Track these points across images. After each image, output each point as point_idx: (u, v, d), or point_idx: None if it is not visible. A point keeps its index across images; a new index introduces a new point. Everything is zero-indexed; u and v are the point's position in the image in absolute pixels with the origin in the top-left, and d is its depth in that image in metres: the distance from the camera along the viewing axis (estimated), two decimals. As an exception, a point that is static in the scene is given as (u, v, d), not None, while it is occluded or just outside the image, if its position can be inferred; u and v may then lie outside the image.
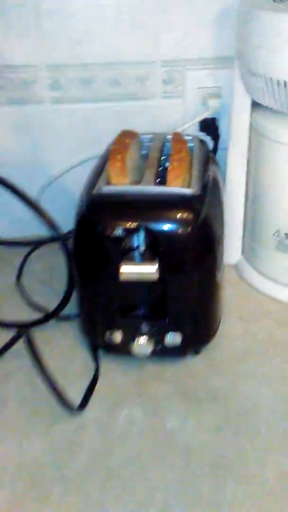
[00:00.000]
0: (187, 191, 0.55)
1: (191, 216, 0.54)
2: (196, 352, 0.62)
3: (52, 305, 0.71)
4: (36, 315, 0.70)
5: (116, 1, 0.71)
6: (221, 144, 0.81)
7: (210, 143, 0.79)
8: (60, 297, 0.72)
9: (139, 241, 0.54)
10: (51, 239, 0.84)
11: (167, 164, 0.66)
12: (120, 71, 0.76)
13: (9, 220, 0.86)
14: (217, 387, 0.59)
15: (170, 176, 0.57)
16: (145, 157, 0.68)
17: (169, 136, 0.69)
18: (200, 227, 0.54)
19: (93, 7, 0.71)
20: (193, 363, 0.61)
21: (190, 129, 0.78)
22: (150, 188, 0.55)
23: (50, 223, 0.63)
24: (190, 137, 0.69)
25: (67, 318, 0.68)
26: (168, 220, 0.53)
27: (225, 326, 0.65)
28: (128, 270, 0.53)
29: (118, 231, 0.53)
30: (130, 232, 0.54)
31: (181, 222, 0.54)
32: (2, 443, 0.54)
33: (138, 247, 0.54)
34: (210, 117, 0.78)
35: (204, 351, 0.62)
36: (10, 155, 0.81)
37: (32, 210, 0.65)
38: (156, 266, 0.52)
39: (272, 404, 0.57)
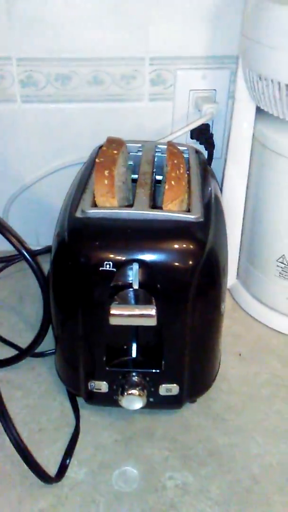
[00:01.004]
0: (189, 217, 0.45)
1: (195, 247, 0.44)
2: (192, 401, 0.52)
3: (21, 337, 0.61)
4: (4, 351, 0.59)
5: (100, -14, 0.60)
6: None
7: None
8: (32, 328, 0.61)
9: (132, 276, 0.44)
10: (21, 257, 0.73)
11: (159, 178, 0.57)
12: (102, 68, 0.65)
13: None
14: (219, 445, 0.49)
15: (167, 198, 0.47)
16: (132, 170, 0.58)
17: (160, 146, 0.59)
18: (206, 259, 0.44)
19: (73, -7, 0.60)
20: (189, 414, 0.51)
21: (180, 137, 0.68)
22: (145, 213, 0.45)
23: (18, 245, 0.52)
24: (185, 148, 0.59)
25: (40, 355, 0.57)
26: (168, 252, 0.43)
27: (222, 366, 0.55)
28: (120, 312, 0.42)
29: (107, 265, 0.43)
30: (121, 266, 0.43)
31: (184, 254, 0.43)
32: None
33: (130, 283, 0.44)
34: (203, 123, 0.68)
35: (201, 398, 0.53)
36: (-27, 160, 0.69)
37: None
38: (155, 309, 0.42)
39: (285, 467, 0.48)
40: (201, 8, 0.63)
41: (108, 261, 0.43)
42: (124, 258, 0.43)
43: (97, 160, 0.50)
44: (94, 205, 0.47)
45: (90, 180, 0.51)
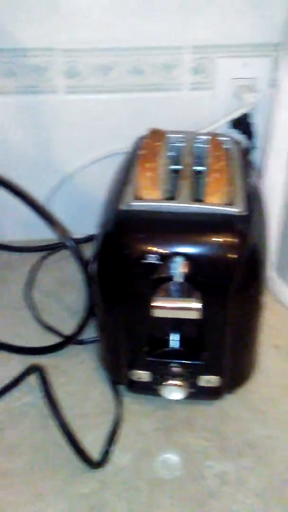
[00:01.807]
0: (232, 210, 0.44)
1: (238, 240, 0.43)
2: (231, 392, 0.51)
3: (64, 324, 0.61)
4: (48, 337, 0.59)
5: (142, -25, 0.58)
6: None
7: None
8: (74, 316, 0.61)
9: (175, 269, 0.43)
10: (65, 245, 0.73)
11: (200, 169, 0.55)
12: (143, 57, 0.63)
13: (18, 222, 0.75)
14: (258, 437, 0.48)
15: (209, 190, 0.46)
16: (174, 161, 0.56)
17: (201, 136, 0.57)
18: (248, 253, 0.43)
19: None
20: (228, 405, 0.51)
21: (220, 126, 0.66)
22: (188, 206, 0.44)
23: (63, 234, 0.52)
24: (226, 138, 0.57)
25: (83, 342, 0.58)
26: (211, 246, 0.42)
27: (260, 358, 0.54)
28: (164, 304, 0.42)
29: (150, 258, 0.42)
30: (164, 259, 0.42)
31: (227, 248, 0.42)
32: (10, 505, 0.44)
33: (173, 276, 0.43)
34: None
35: (239, 389, 0.52)
36: (18, 150, 0.69)
37: (41, 217, 0.54)
38: (198, 302, 0.41)
39: None
40: (244, -5, 0.60)
41: (152, 253, 0.42)
42: (167, 251, 0.42)
43: (140, 152, 0.49)
44: (137, 197, 0.47)
45: (133, 172, 0.50)
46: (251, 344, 0.50)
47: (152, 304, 0.42)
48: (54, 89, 0.64)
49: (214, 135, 0.54)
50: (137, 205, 0.44)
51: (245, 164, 0.54)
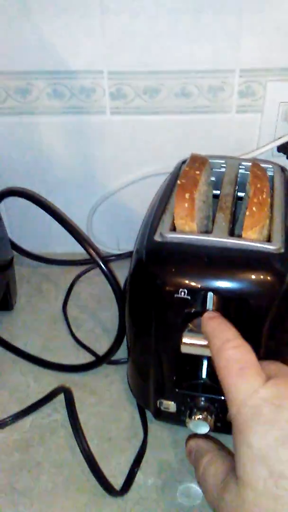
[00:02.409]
0: (269, 247, 0.42)
1: (274, 280, 0.41)
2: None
3: (98, 341, 0.62)
4: (81, 353, 0.60)
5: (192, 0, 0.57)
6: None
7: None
8: (108, 334, 0.62)
9: (206, 305, 0.42)
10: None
11: (241, 194, 0.54)
12: (191, 80, 0.62)
13: (62, 235, 0.76)
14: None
15: (247, 225, 0.44)
16: (214, 186, 0.55)
17: (245, 163, 0.56)
18: (284, 292, 0.42)
19: (164, 6, 0.57)
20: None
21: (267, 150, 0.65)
22: (224, 241, 0.43)
23: (96, 256, 0.52)
24: (270, 166, 0.55)
25: (114, 362, 0.58)
26: (245, 284, 0.41)
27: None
28: (193, 341, 0.41)
29: (182, 292, 0.42)
30: (195, 294, 0.42)
31: (262, 287, 0.41)
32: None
33: (204, 312, 0.42)
34: (292, 137, 0.64)
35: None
36: (62, 168, 0.70)
37: (75, 238, 0.54)
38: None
39: None
40: (297, 18, 0.58)
41: (183, 288, 0.42)
42: (199, 287, 0.41)
43: (178, 181, 0.48)
44: (173, 227, 0.46)
45: (171, 200, 0.50)
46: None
47: (181, 340, 0.41)
48: (100, 110, 0.65)
49: (257, 165, 0.52)
50: (171, 237, 0.44)
51: (288, 193, 0.53)
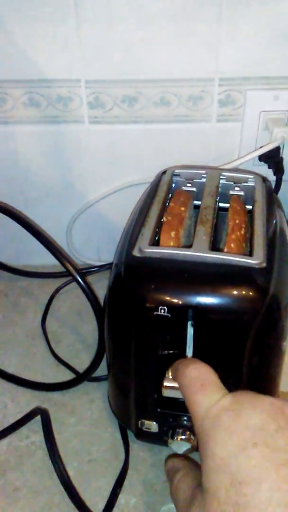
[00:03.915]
0: (251, 262, 0.41)
1: (256, 295, 0.40)
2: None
3: (78, 357, 0.60)
4: (60, 370, 0.58)
5: (169, 7, 0.56)
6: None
7: (269, 174, 0.64)
8: (88, 349, 0.60)
9: (187, 341, 0.41)
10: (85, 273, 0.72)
11: (223, 205, 0.53)
12: (170, 89, 0.61)
13: (41, 247, 0.74)
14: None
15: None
16: (195, 197, 0.54)
17: (226, 173, 0.55)
18: (267, 307, 0.40)
19: (142, 14, 0.57)
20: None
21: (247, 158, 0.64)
22: (204, 256, 0.41)
23: (73, 271, 0.51)
24: (251, 176, 0.55)
25: (95, 379, 0.56)
26: (227, 300, 0.40)
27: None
28: (174, 385, 0.39)
29: (161, 309, 0.40)
30: (175, 311, 0.40)
31: (244, 303, 0.39)
32: None
33: (185, 331, 0.41)
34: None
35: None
36: (40, 178, 0.68)
37: (52, 253, 0.53)
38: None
39: None
40: (274, 27, 0.57)
41: (163, 305, 0.40)
42: (179, 303, 0.40)
43: (164, 218, 0.47)
44: (153, 241, 0.45)
45: (150, 213, 0.48)
46: (267, 394, 0.48)
47: (162, 383, 0.41)
48: (78, 119, 0.63)
49: (236, 200, 0.51)
50: (150, 251, 0.43)
51: (270, 205, 0.52)
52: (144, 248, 0.43)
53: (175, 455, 0.44)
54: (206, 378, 0.36)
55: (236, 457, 0.30)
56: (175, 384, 0.38)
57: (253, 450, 0.30)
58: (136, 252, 0.43)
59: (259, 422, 0.31)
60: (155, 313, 0.40)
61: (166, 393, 0.40)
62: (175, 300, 0.40)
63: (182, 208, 0.48)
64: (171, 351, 0.41)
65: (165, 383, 0.40)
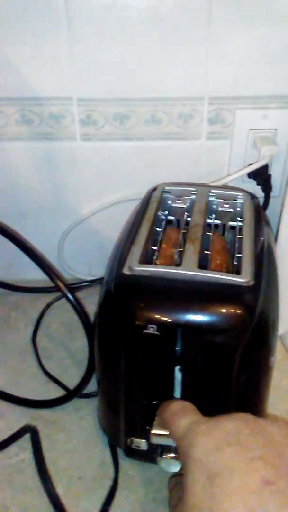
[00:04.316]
0: (239, 280, 0.42)
1: (244, 313, 0.40)
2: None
3: (67, 373, 0.60)
4: (50, 386, 0.58)
5: (160, 28, 0.57)
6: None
7: (257, 191, 0.65)
8: (79, 365, 0.60)
9: (176, 342, 0.41)
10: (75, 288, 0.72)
11: (211, 222, 0.53)
12: (161, 107, 0.62)
13: (29, 261, 0.74)
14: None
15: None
16: (186, 213, 0.55)
17: (215, 190, 0.56)
18: (255, 324, 0.41)
19: (133, 34, 0.58)
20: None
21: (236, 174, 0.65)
22: (193, 274, 0.42)
23: (62, 287, 0.51)
24: (240, 194, 0.55)
25: (85, 396, 0.56)
26: (215, 318, 0.40)
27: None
28: (163, 432, 0.41)
29: (151, 326, 0.41)
30: (165, 330, 0.41)
31: (232, 321, 0.40)
32: None
33: (175, 348, 0.41)
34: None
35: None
36: (31, 195, 0.68)
37: (41, 268, 0.53)
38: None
39: None
40: (262, 48, 0.59)
41: (152, 323, 0.41)
42: (168, 321, 0.40)
43: (157, 262, 0.47)
44: (142, 259, 0.45)
45: (140, 230, 0.49)
46: (255, 411, 0.48)
47: (150, 431, 0.42)
48: (69, 136, 0.64)
49: (219, 236, 0.52)
50: (140, 270, 0.43)
51: (258, 222, 0.52)
52: (134, 266, 0.43)
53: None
54: (187, 408, 0.39)
55: (211, 455, 0.33)
56: (164, 432, 0.40)
57: (227, 448, 0.33)
58: (126, 270, 0.44)
59: (233, 428, 0.34)
60: (144, 331, 0.41)
61: (154, 440, 0.42)
62: (165, 318, 0.40)
63: (173, 250, 0.49)
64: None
65: (153, 431, 0.41)
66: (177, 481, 0.42)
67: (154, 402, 0.43)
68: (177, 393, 0.44)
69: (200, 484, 0.32)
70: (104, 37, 0.58)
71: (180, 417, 0.37)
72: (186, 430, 0.36)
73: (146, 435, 0.45)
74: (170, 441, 0.40)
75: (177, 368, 0.42)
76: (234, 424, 0.34)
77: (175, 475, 0.44)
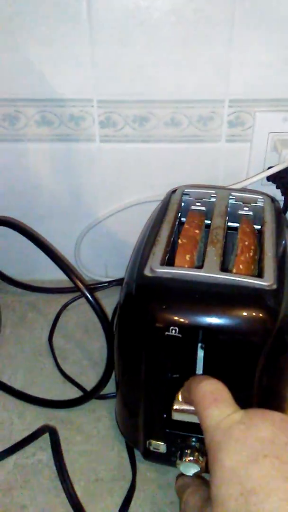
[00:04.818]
0: (261, 283, 0.41)
1: (266, 317, 0.40)
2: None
3: (85, 374, 0.60)
4: (67, 387, 0.58)
5: (182, 31, 0.57)
6: None
7: (276, 194, 0.65)
8: (95, 366, 0.60)
9: (197, 344, 0.41)
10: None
11: (232, 225, 0.53)
12: (180, 109, 0.62)
13: (46, 262, 0.75)
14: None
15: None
16: (205, 215, 0.55)
17: (235, 193, 0.56)
18: (278, 328, 0.41)
19: (155, 37, 0.58)
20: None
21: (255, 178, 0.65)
22: (215, 277, 0.42)
23: (82, 287, 0.51)
24: (260, 197, 0.55)
25: (102, 397, 0.56)
26: (237, 321, 0.40)
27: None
28: (184, 407, 0.39)
29: (172, 330, 0.41)
30: (185, 331, 0.41)
31: (255, 324, 0.40)
32: None
33: (196, 352, 0.41)
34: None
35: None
36: (50, 195, 0.69)
37: (61, 269, 0.53)
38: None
39: None
40: (283, 50, 0.58)
41: (174, 325, 0.40)
42: (190, 324, 0.40)
43: (180, 241, 0.47)
44: (164, 261, 0.45)
45: (161, 232, 0.49)
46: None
47: (172, 406, 0.40)
48: (89, 138, 0.64)
49: (246, 222, 0.51)
50: (162, 271, 0.43)
51: (279, 225, 0.52)
52: (156, 268, 0.43)
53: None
54: (219, 393, 0.36)
55: (246, 468, 0.30)
56: (186, 407, 0.38)
57: (263, 461, 0.30)
58: (147, 272, 0.44)
59: (269, 435, 0.32)
60: (166, 333, 0.41)
61: (176, 416, 0.40)
62: (187, 321, 0.40)
63: (197, 231, 0.49)
64: (179, 375, 0.41)
65: (175, 406, 0.40)
66: (185, 481, 0.41)
67: (175, 376, 0.42)
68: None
69: (233, 498, 0.30)
70: (125, 40, 0.58)
71: (211, 406, 0.35)
72: (216, 425, 0.33)
73: (165, 438, 0.45)
74: (193, 417, 0.38)
75: (198, 370, 0.41)
76: (270, 431, 0.32)
77: (181, 474, 0.43)
